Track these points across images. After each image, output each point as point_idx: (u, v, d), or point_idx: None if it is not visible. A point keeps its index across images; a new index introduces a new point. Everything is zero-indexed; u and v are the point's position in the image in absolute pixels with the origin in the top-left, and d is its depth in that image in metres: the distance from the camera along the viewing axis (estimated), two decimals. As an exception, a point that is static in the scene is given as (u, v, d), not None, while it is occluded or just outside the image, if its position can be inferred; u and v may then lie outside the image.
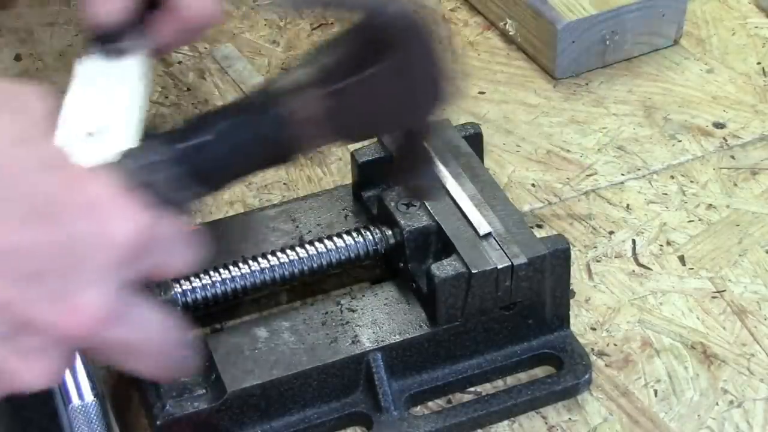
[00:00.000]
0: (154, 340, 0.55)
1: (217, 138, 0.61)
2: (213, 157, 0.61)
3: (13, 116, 0.53)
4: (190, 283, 0.78)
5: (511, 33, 1.10)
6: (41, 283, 0.49)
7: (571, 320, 0.81)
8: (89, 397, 0.75)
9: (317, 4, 0.65)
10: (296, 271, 0.80)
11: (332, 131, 0.64)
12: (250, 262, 0.80)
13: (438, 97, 0.67)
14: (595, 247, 0.90)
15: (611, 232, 0.91)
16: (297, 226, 0.86)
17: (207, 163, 0.60)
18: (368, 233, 0.81)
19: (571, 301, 0.83)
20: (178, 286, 0.77)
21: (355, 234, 0.81)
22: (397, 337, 0.77)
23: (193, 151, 0.60)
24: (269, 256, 0.80)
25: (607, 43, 1.06)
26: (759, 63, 1.07)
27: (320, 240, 0.81)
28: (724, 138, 0.99)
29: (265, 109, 0.62)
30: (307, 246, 0.80)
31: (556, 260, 0.77)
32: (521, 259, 0.76)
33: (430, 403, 0.79)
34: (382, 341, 0.77)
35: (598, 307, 0.85)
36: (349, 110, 0.64)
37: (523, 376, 0.80)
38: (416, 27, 0.65)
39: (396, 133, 0.71)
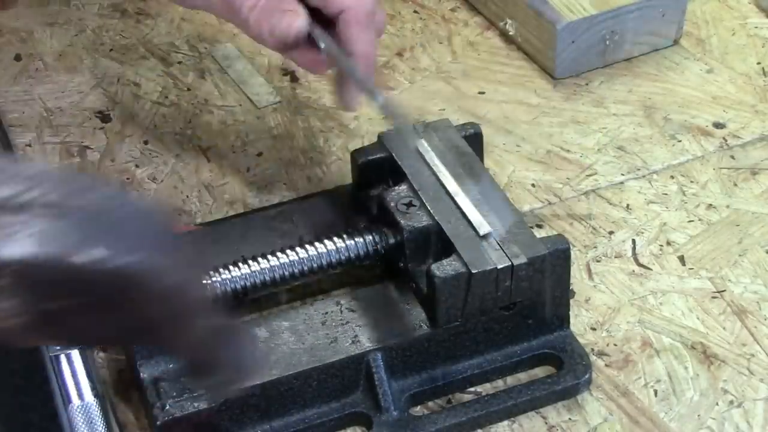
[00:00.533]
0: None
1: None
2: None
3: None
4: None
5: (511, 33, 1.10)
6: None
7: (571, 320, 0.81)
8: (89, 397, 0.76)
9: None
10: (296, 271, 0.80)
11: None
12: (250, 262, 0.80)
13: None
14: (595, 247, 0.90)
15: (611, 232, 0.91)
16: (297, 226, 0.86)
17: None
18: (368, 233, 0.81)
19: (571, 301, 0.83)
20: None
21: (355, 234, 0.81)
22: (397, 337, 0.77)
23: None
24: (269, 256, 0.80)
25: (607, 43, 1.06)
26: (759, 63, 1.07)
27: (320, 240, 0.81)
28: (724, 138, 0.99)
29: None
30: (307, 246, 0.80)
31: (556, 260, 0.77)
32: (521, 259, 0.76)
33: (430, 403, 0.79)
34: (382, 341, 0.77)
35: (598, 307, 0.85)
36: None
37: (523, 376, 0.80)
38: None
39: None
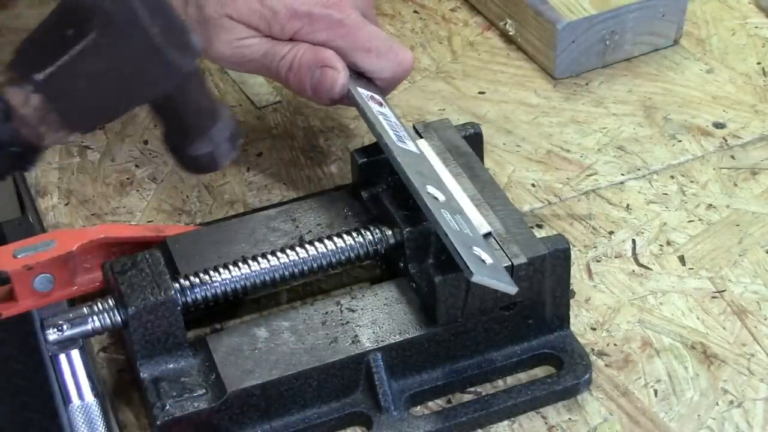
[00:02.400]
0: None
1: None
2: None
3: None
4: (190, 282, 0.78)
5: (511, 33, 1.10)
6: None
7: (571, 320, 0.81)
8: (89, 397, 0.76)
9: None
10: (296, 271, 0.80)
11: (62, 121, 0.62)
12: (250, 262, 0.80)
13: (174, 51, 0.65)
14: (595, 247, 0.90)
15: (611, 232, 0.91)
16: (297, 226, 0.86)
17: None
18: (368, 233, 0.81)
19: (571, 301, 0.83)
20: (177, 285, 0.77)
21: (355, 234, 0.81)
22: (397, 337, 0.77)
23: None
24: (269, 256, 0.80)
25: (607, 43, 1.06)
26: (759, 63, 1.07)
27: (320, 240, 0.81)
28: (724, 138, 0.99)
29: None
30: (307, 246, 0.80)
31: (556, 260, 0.77)
32: (521, 259, 0.76)
33: (430, 403, 0.79)
34: (382, 341, 0.77)
35: (598, 307, 0.85)
36: (69, 94, 0.62)
37: (523, 376, 0.80)
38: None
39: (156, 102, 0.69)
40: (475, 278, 0.71)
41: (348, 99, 0.88)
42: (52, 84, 0.61)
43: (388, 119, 0.85)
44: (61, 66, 0.61)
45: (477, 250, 0.74)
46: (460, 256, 0.72)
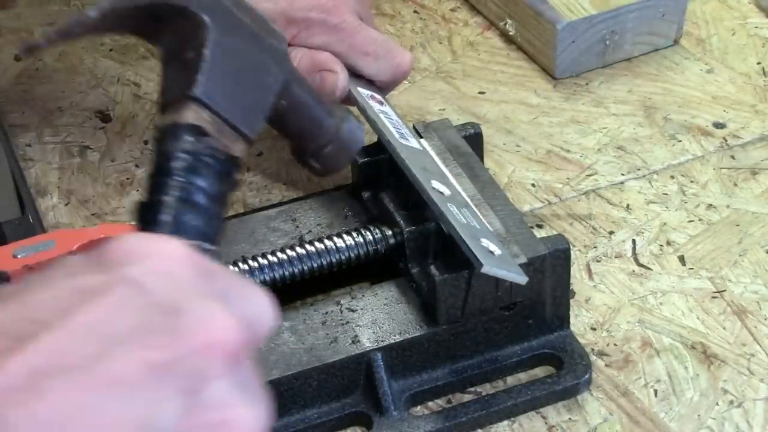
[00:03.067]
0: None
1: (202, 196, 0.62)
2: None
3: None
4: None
5: (511, 33, 1.10)
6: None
7: (571, 320, 0.81)
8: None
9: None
10: (296, 271, 0.80)
11: (232, 129, 0.65)
12: (250, 262, 0.80)
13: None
14: (595, 247, 0.90)
15: (611, 232, 0.91)
16: (297, 226, 0.86)
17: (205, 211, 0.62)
18: (368, 233, 0.81)
19: (571, 301, 0.83)
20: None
21: (355, 234, 0.81)
22: (397, 337, 0.77)
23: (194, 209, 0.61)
24: (269, 256, 0.80)
25: (607, 43, 1.06)
26: (759, 63, 1.07)
27: (320, 240, 0.81)
28: (724, 138, 0.99)
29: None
30: (307, 246, 0.80)
31: (556, 260, 0.77)
32: (521, 259, 0.76)
33: (430, 403, 0.79)
34: (382, 341, 0.77)
35: (598, 307, 0.85)
36: (223, 99, 0.64)
37: (523, 376, 0.80)
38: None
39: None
40: (485, 269, 0.71)
41: (349, 100, 0.88)
42: (207, 93, 0.63)
43: (390, 117, 0.85)
44: (203, 73, 0.63)
45: (485, 242, 0.74)
46: (470, 249, 0.72)
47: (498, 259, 0.73)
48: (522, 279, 0.73)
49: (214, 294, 0.51)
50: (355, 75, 0.89)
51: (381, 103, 0.88)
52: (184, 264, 0.51)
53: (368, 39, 0.88)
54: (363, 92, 0.88)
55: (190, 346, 0.48)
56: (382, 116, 0.84)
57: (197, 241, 0.59)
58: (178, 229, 0.60)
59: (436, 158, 0.84)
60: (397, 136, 0.82)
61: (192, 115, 0.63)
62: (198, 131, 0.63)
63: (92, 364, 0.46)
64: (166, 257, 0.50)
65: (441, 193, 0.78)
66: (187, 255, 0.51)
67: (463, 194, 0.81)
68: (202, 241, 0.60)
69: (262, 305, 0.53)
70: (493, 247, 0.74)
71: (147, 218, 0.61)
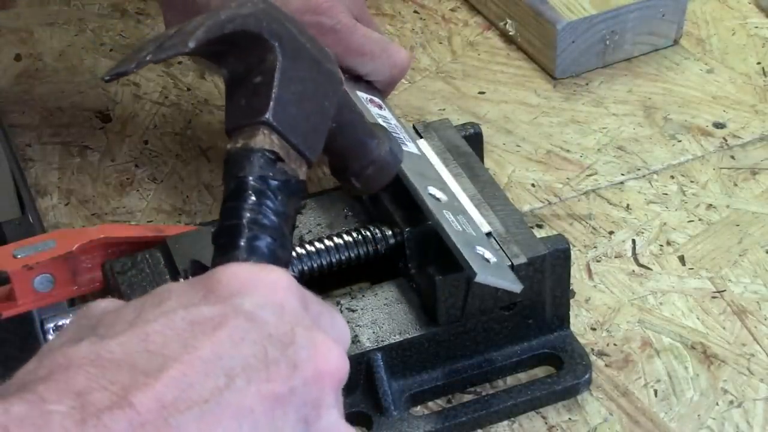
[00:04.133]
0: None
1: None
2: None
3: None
4: (190, 283, 0.78)
5: (511, 33, 1.10)
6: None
7: (571, 320, 0.81)
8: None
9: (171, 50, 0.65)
10: (296, 270, 0.80)
11: (298, 153, 0.66)
12: (250, 262, 0.79)
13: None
14: (595, 247, 0.90)
15: (611, 232, 0.91)
16: (297, 226, 0.86)
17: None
18: (368, 233, 0.81)
19: (571, 301, 0.83)
20: (178, 286, 0.77)
21: (355, 234, 0.81)
22: (397, 337, 0.77)
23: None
24: (269, 256, 0.80)
25: (607, 43, 1.06)
26: (759, 63, 1.07)
27: (320, 240, 0.81)
28: (724, 138, 0.99)
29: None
30: (307, 246, 0.80)
31: (556, 260, 0.77)
32: (521, 259, 0.76)
33: (430, 403, 0.79)
34: (382, 341, 0.77)
35: (598, 307, 0.85)
36: (290, 124, 0.65)
37: (523, 376, 0.80)
38: (271, 13, 0.66)
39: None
40: (479, 278, 0.71)
41: None
42: (277, 118, 0.64)
43: (388, 122, 0.85)
44: (274, 98, 0.64)
45: (480, 250, 0.74)
46: (464, 257, 0.72)
47: (493, 268, 0.73)
48: (516, 287, 0.73)
49: (315, 322, 0.53)
50: (354, 77, 0.89)
51: (380, 107, 0.87)
52: (290, 294, 0.52)
53: (364, 39, 0.88)
54: (362, 96, 0.88)
55: (306, 377, 0.50)
56: (380, 121, 0.84)
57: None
58: (255, 253, 0.61)
59: (436, 161, 0.84)
60: None
61: (263, 139, 0.64)
62: (272, 156, 0.64)
63: (218, 397, 0.47)
64: (274, 288, 0.52)
65: (437, 199, 0.77)
66: (292, 285, 0.53)
67: (462, 197, 0.80)
68: (279, 265, 0.60)
69: (343, 327, 0.56)
70: (488, 255, 0.74)
71: (226, 243, 0.62)
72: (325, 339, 0.53)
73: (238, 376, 0.49)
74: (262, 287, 0.52)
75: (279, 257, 0.61)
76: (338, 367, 0.53)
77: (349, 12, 0.88)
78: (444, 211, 0.76)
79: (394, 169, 0.75)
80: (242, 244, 0.61)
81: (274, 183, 0.63)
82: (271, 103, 0.64)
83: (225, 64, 0.67)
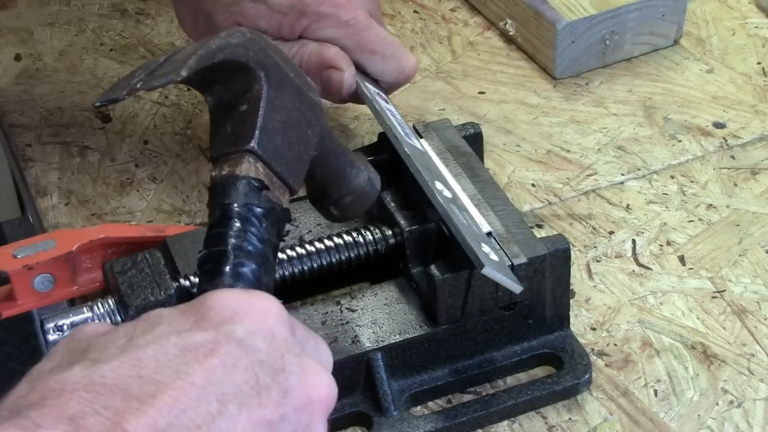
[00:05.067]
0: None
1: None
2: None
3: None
4: (190, 282, 0.78)
5: (511, 33, 1.10)
6: None
7: (571, 320, 0.81)
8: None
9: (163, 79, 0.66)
10: (296, 270, 0.80)
11: (282, 182, 0.67)
12: (250, 262, 0.79)
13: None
14: (595, 247, 0.90)
15: (611, 232, 0.91)
16: (297, 226, 0.86)
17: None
18: (368, 233, 0.81)
19: (571, 301, 0.83)
20: (177, 285, 0.77)
21: (355, 234, 0.81)
22: (397, 337, 0.77)
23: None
24: (269, 256, 0.80)
25: (607, 43, 1.06)
26: (759, 63, 1.07)
27: (320, 240, 0.81)
28: (724, 138, 0.99)
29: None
30: (307, 246, 0.80)
31: (556, 260, 0.77)
32: (521, 259, 0.76)
33: (430, 403, 0.79)
34: (382, 341, 0.77)
35: (598, 307, 0.85)
36: (275, 152, 0.66)
37: (523, 376, 0.80)
38: (257, 43, 0.67)
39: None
40: (486, 270, 0.71)
41: (355, 97, 0.88)
42: (262, 146, 0.65)
43: (395, 116, 0.85)
44: (260, 127, 0.65)
45: (485, 247, 0.74)
46: (471, 249, 0.72)
47: (497, 264, 0.73)
48: (517, 288, 0.73)
49: (303, 348, 0.54)
50: (361, 72, 0.89)
51: (386, 102, 0.88)
52: (280, 321, 0.54)
53: (377, 38, 0.89)
54: (370, 88, 0.88)
55: (297, 404, 0.51)
56: (388, 113, 0.84)
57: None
58: (241, 279, 0.62)
59: (436, 161, 0.84)
60: (402, 134, 0.83)
61: (248, 167, 0.65)
62: (257, 184, 0.65)
63: (210, 423, 0.48)
64: (264, 316, 0.53)
65: (444, 195, 0.78)
66: (281, 312, 0.54)
67: (463, 196, 0.81)
68: (262, 290, 0.61)
69: (327, 353, 0.58)
70: (493, 256, 0.74)
71: (212, 269, 0.63)
72: (314, 366, 0.54)
73: (231, 402, 0.49)
74: (252, 314, 0.53)
75: (263, 283, 0.62)
76: (328, 394, 0.54)
77: (365, 9, 0.89)
78: (450, 204, 0.77)
79: (373, 198, 0.77)
80: (227, 270, 0.62)
81: (258, 210, 0.64)
82: (257, 132, 0.65)
83: (210, 92, 0.68)
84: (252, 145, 0.65)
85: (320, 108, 0.71)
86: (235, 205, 0.64)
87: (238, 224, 0.63)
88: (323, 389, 0.53)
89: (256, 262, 0.62)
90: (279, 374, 0.52)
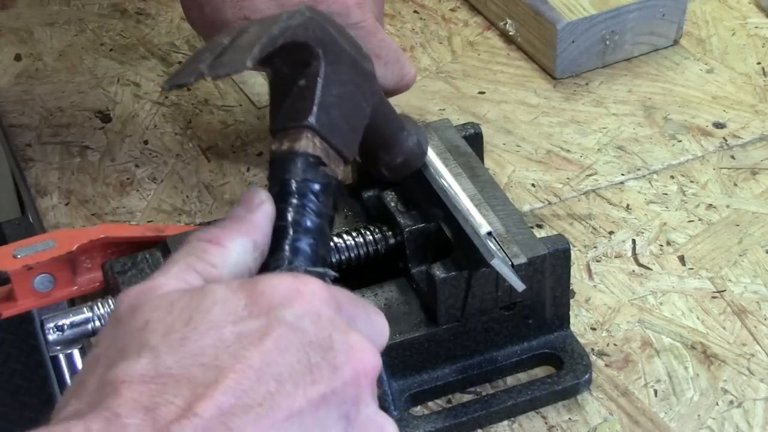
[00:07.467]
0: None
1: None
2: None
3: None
4: (190, 283, 0.78)
5: (511, 33, 1.10)
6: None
7: (571, 320, 0.81)
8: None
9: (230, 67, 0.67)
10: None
11: (337, 154, 0.68)
12: (250, 262, 0.79)
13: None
14: (595, 247, 0.90)
15: (611, 232, 0.91)
16: (297, 226, 0.86)
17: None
18: (368, 233, 0.81)
19: (571, 301, 0.83)
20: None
21: (355, 234, 0.81)
22: (397, 337, 0.77)
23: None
24: (269, 256, 0.80)
25: (607, 43, 1.06)
26: (759, 63, 1.07)
27: (320, 240, 0.81)
28: (724, 138, 0.99)
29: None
30: (307, 246, 0.80)
31: (556, 260, 0.77)
32: (521, 259, 0.75)
33: (430, 403, 0.79)
34: (382, 341, 0.77)
35: (598, 307, 0.85)
36: (332, 126, 0.68)
37: (523, 376, 0.80)
38: (317, 20, 0.69)
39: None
40: (494, 262, 0.73)
41: None
42: (320, 122, 0.67)
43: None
44: (318, 103, 0.67)
45: (490, 246, 0.74)
46: (481, 242, 0.74)
47: (501, 260, 0.74)
48: (520, 286, 0.74)
49: (349, 324, 0.58)
50: None
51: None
52: (325, 302, 0.57)
53: (383, 42, 0.90)
54: None
55: (345, 378, 0.55)
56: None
57: (318, 267, 0.64)
58: (298, 255, 0.64)
59: (436, 161, 0.84)
60: None
61: (306, 143, 0.67)
62: (315, 160, 0.66)
63: (270, 401, 0.53)
64: (310, 299, 0.57)
65: (450, 192, 0.79)
66: (326, 293, 0.58)
67: (463, 196, 0.81)
68: (321, 265, 0.64)
69: (378, 323, 0.61)
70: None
71: (272, 244, 0.64)
72: (359, 340, 0.57)
73: (287, 381, 0.54)
74: (300, 299, 0.57)
75: (320, 255, 0.64)
76: (373, 365, 0.57)
77: (373, 14, 0.90)
78: (458, 202, 0.78)
79: (422, 159, 0.79)
80: (287, 246, 0.64)
81: (316, 185, 0.66)
82: (315, 108, 0.67)
83: (270, 66, 0.69)
84: (310, 120, 0.67)
85: (374, 77, 0.72)
86: (294, 180, 0.65)
87: (296, 200, 0.65)
88: (368, 361, 0.57)
89: (313, 236, 0.64)
90: (327, 352, 0.56)
